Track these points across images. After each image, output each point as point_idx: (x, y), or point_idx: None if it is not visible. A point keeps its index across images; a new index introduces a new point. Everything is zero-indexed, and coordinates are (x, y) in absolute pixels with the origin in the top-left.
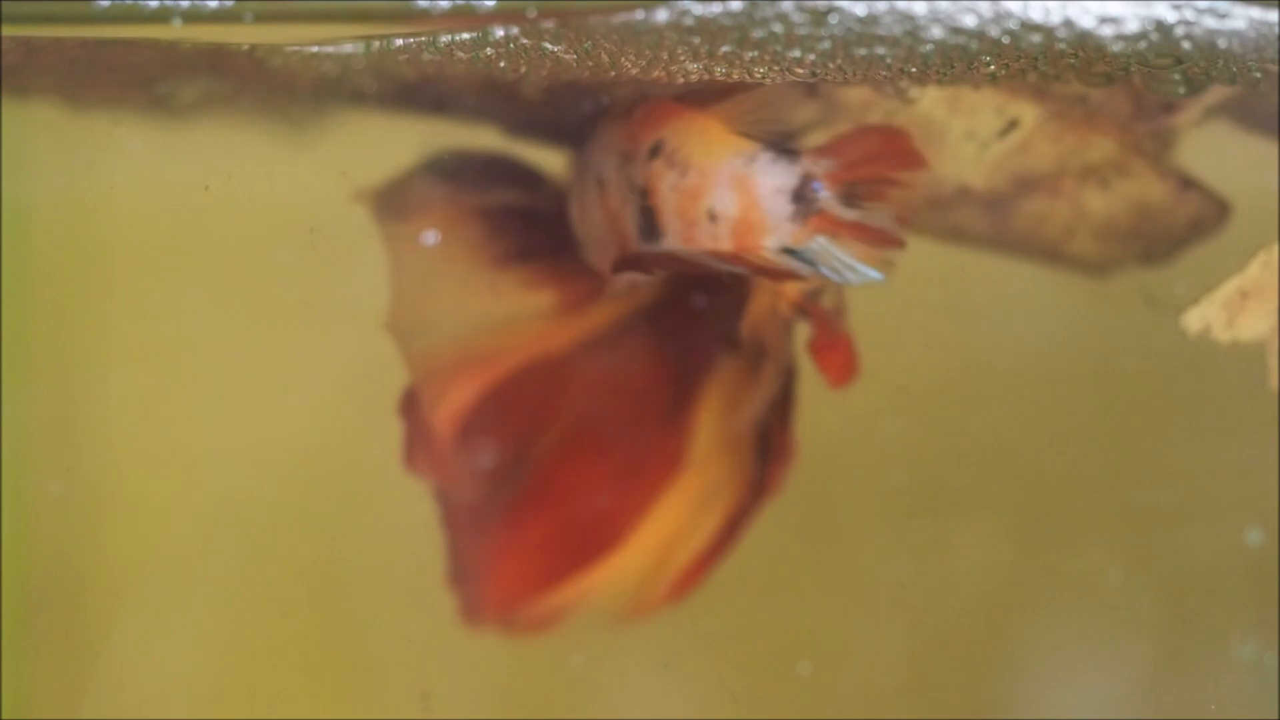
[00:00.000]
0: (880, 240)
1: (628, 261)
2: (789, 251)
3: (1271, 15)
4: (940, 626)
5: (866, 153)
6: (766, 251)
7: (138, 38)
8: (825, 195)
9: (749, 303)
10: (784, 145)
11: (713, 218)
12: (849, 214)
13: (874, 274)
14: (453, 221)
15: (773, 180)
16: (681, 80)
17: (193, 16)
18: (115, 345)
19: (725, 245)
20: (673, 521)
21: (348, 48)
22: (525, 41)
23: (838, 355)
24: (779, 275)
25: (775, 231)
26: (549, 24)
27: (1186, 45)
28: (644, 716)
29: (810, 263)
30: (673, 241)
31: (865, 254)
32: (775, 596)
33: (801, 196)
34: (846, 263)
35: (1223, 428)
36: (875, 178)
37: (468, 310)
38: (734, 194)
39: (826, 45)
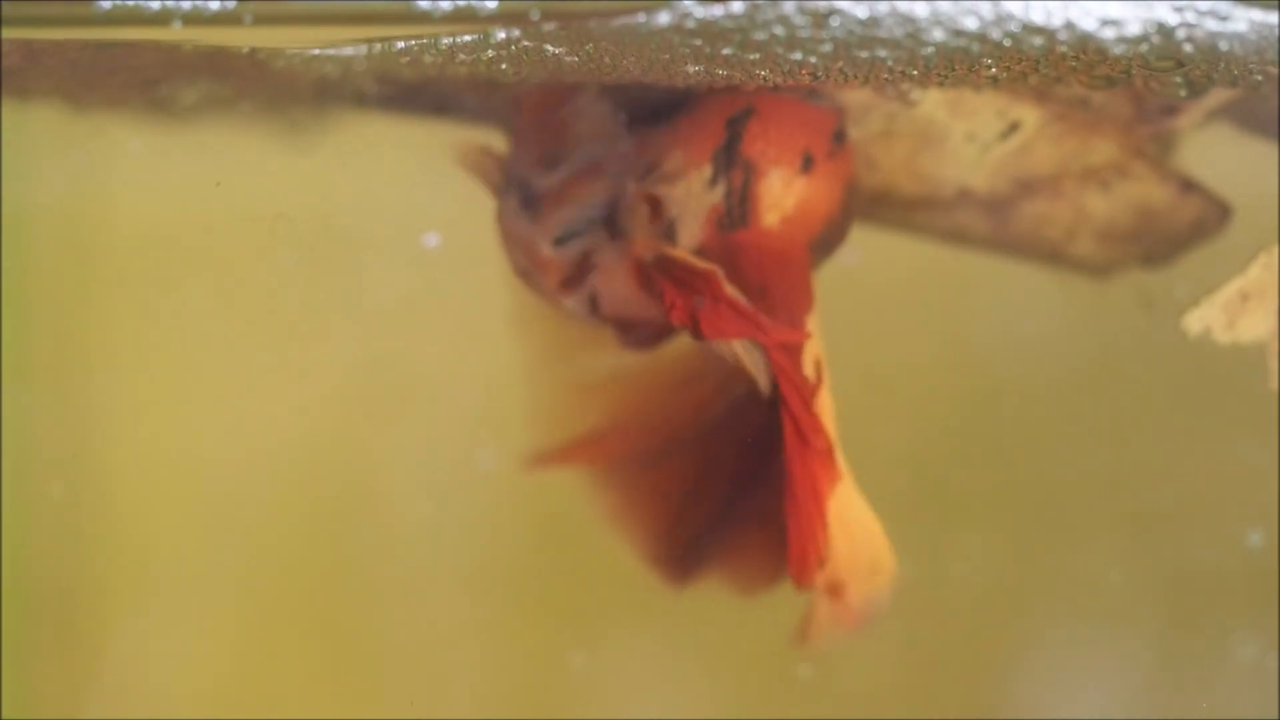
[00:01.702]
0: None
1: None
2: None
3: (1272, 18)
4: (940, 627)
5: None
6: (548, 251)
7: (139, 40)
8: (539, 182)
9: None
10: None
11: (524, 274)
12: (553, 179)
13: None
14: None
15: (511, 221)
16: (681, 82)
17: (193, 19)
18: (116, 346)
19: (556, 276)
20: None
21: (349, 50)
22: (527, 44)
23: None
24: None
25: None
26: (550, 27)
27: (1188, 48)
28: (644, 716)
29: (579, 235)
30: (570, 306)
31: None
32: (775, 597)
33: (529, 204)
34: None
35: (1223, 429)
36: (555, 130)
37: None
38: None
39: (828, 48)
